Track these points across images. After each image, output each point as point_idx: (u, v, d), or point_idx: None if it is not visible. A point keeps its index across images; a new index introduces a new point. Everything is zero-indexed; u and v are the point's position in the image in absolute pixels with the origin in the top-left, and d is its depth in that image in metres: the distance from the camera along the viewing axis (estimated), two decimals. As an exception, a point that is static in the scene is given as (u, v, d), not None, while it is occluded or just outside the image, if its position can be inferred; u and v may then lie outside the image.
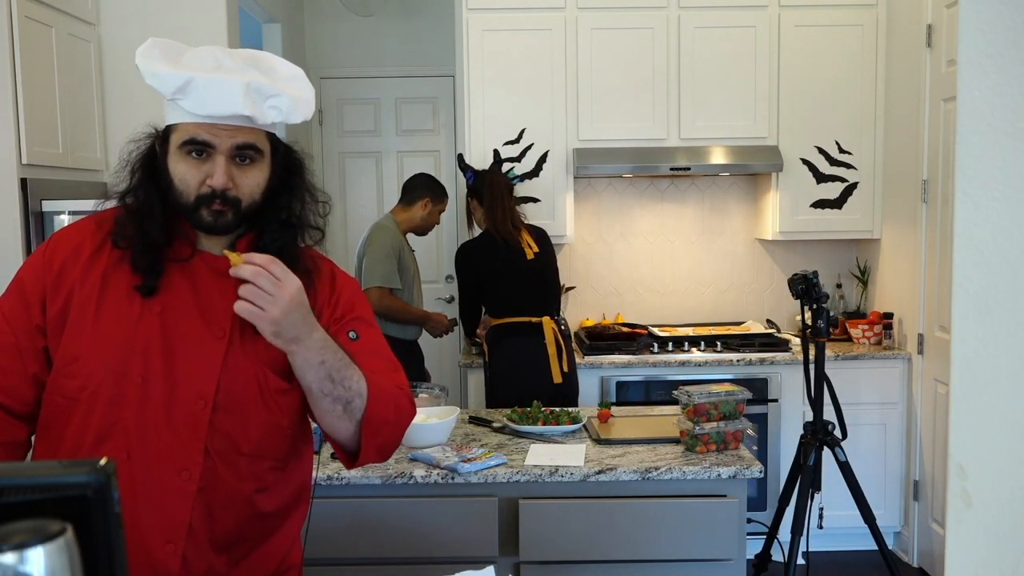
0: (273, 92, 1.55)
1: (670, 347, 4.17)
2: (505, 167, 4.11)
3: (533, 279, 3.70)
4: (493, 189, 3.74)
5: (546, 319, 3.66)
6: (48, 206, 3.80)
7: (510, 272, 3.65)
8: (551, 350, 3.62)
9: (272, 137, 1.62)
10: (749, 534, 2.86)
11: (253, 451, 1.60)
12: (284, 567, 1.73)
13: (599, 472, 2.48)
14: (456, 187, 5.68)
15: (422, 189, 4.14)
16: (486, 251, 3.69)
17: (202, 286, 1.59)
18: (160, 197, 1.58)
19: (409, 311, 4.04)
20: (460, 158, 3.96)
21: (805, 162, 4.31)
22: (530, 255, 3.69)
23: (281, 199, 1.64)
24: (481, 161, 4.14)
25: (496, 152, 4.09)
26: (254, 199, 1.58)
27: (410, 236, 4.26)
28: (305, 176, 1.71)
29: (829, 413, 3.20)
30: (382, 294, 3.95)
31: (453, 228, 5.78)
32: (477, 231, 3.88)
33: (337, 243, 5.82)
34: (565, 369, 3.64)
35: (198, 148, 1.53)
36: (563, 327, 3.75)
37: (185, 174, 1.54)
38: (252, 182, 1.57)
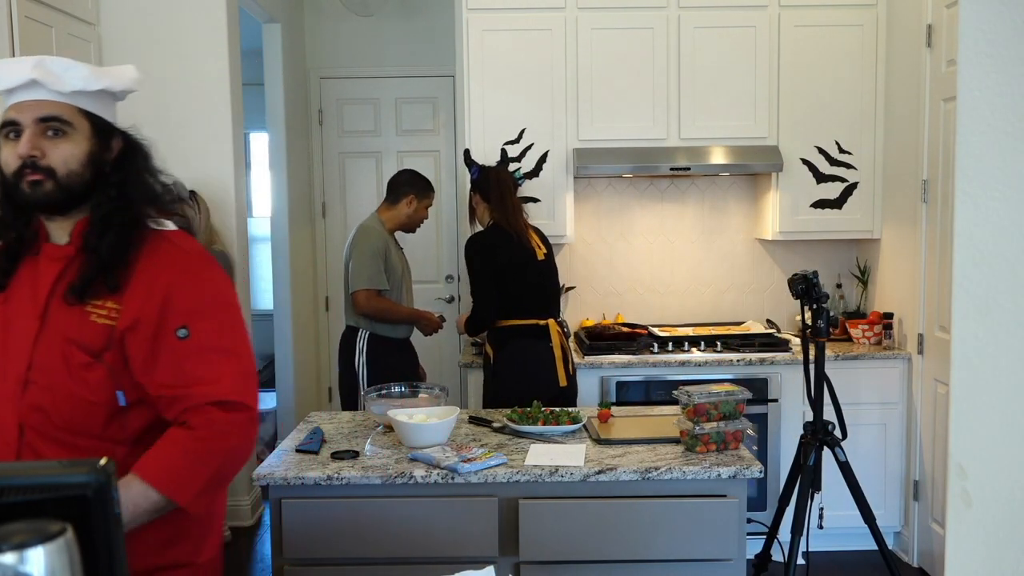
0: (69, 66, 1.69)
1: (670, 347, 4.17)
2: (511, 167, 4.08)
3: (542, 280, 3.68)
4: (501, 184, 3.69)
5: (551, 321, 3.65)
6: (48, 206, 3.79)
7: (520, 271, 3.60)
8: (557, 353, 3.61)
9: (92, 116, 1.73)
10: (749, 534, 2.86)
11: (66, 426, 1.66)
12: (171, 564, 1.75)
13: (599, 472, 2.48)
14: (456, 185, 5.69)
15: (406, 186, 4.12)
16: (499, 244, 3.61)
17: (40, 274, 1.71)
18: (5, 201, 1.71)
19: (398, 311, 4.04)
20: (467, 153, 3.94)
21: (805, 162, 4.31)
22: (540, 255, 3.66)
23: (112, 176, 1.73)
24: (481, 160, 4.13)
25: (504, 151, 4.07)
26: (70, 169, 1.67)
27: (404, 235, 4.27)
28: (145, 156, 1.81)
29: (829, 413, 3.20)
30: (370, 296, 3.96)
31: (453, 228, 5.79)
32: (478, 228, 3.83)
33: (337, 243, 5.82)
34: (571, 372, 3.65)
35: (9, 129, 1.68)
36: (565, 330, 3.74)
37: (6, 156, 1.68)
38: (65, 153, 1.68)
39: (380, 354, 4.04)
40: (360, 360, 4.07)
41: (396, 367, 4.00)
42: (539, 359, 3.58)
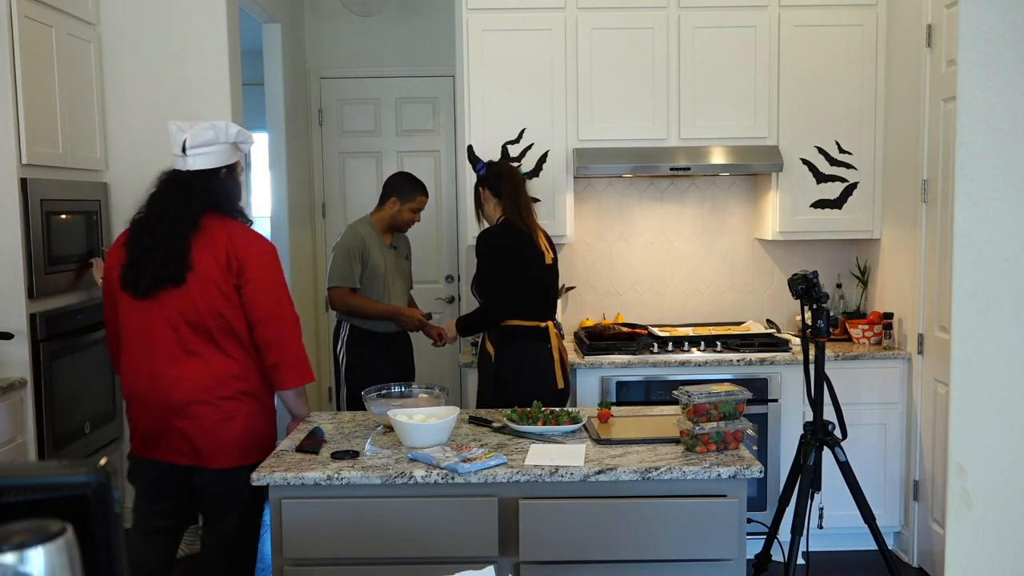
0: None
1: (670, 347, 4.17)
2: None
3: (547, 283, 3.67)
4: (515, 181, 3.65)
5: (550, 324, 3.64)
6: (48, 206, 3.80)
7: (529, 271, 3.58)
8: (555, 356, 3.61)
9: None
10: (749, 534, 2.86)
11: None
12: None
13: (599, 472, 2.48)
14: (456, 185, 5.69)
15: (388, 189, 4.18)
16: (513, 241, 3.57)
17: None
18: None
19: (372, 307, 4.08)
20: (470, 149, 3.90)
21: (805, 162, 4.31)
22: (548, 259, 3.64)
23: None
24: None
25: (505, 148, 4.07)
26: None
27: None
28: None
29: (829, 413, 3.20)
30: (342, 293, 4.05)
31: (453, 228, 5.79)
32: (485, 224, 3.76)
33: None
34: (567, 375, 3.64)
35: None
36: (560, 332, 3.74)
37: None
38: None
39: (361, 347, 4.12)
40: (341, 352, 4.16)
41: (376, 360, 4.08)
42: (539, 361, 3.58)
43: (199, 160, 2.83)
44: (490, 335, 3.65)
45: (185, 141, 2.81)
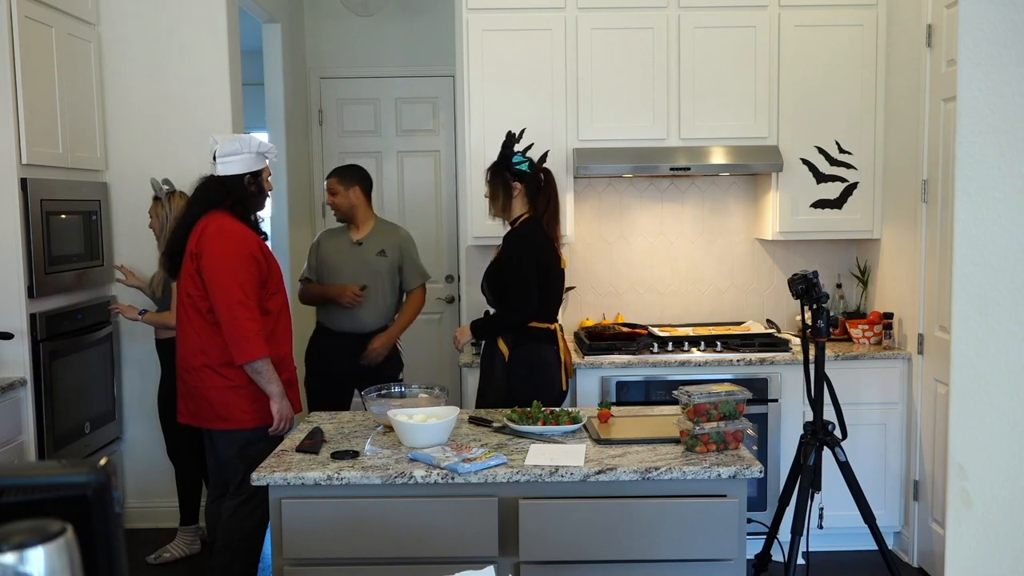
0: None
1: (670, 347, 4.17)
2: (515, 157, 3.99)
3: (560, 288, 3.67)
4: (555, 193, 3.60)
5: (556, 326, 3.64)
6: (48, 206, 3.80)
7: (551, 275, 3.57)
8: (563, 357, 3.61)
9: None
10: (749, 534, 2.86)
11: None
12: None
13: (599, 472, 2.48)
14: (456, 185, 5.69)
15: None
16: (543, 244, 3.54)
17: None
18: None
19: (310, 292, 4.26)
20: (510, 136, 3.64)
21: (805, 162, 4.31)
22: (564, 264, 3.65)
23: None
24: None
25: (510, 133, 4.01)
26: None
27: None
28: None
29: (829, 413, 3.20)
30: (302, 286, 4.33)
31: (453, 228, 5.79)
32: (491, 212, 3.68)
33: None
34: (570, 376, 3.65)
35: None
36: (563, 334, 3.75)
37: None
38: None
39: (315, 342, 4.31)
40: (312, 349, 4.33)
41: (329, 357, 4.22)
42: (549, 363, 3.57)
43: (225, 167, 3.24)
44: (504, 335, 3.57)
45: (216, 151, 3.25)
